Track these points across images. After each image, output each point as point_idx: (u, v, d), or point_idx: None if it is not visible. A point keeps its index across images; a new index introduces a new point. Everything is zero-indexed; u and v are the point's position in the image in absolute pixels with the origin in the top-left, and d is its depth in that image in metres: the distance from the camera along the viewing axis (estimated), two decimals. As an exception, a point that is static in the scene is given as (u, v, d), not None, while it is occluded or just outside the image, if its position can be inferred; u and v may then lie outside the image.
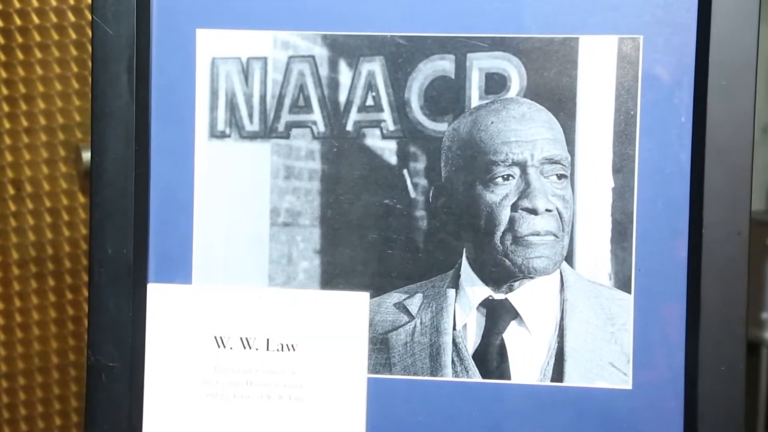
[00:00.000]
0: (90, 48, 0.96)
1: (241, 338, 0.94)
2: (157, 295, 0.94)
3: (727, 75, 0.87)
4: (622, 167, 0.90)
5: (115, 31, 0.92)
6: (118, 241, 0.93)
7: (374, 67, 0.92)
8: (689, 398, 0.90)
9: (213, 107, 0.94)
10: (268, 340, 0.94)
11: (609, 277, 0.91)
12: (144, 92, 0.93)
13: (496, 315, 0.92)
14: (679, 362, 0.91)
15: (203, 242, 0.95)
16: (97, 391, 0.94)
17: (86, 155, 1.21)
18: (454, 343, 0.93)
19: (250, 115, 0.94)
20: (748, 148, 0.87)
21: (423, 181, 0.92)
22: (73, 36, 1.23)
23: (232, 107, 0.94)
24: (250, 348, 0.94)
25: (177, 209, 0.95)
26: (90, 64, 0.96)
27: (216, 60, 0.94)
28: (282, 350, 0.93)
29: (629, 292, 0.91)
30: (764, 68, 1.63)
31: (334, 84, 0.93)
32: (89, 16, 1.18)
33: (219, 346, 0.94)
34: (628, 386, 0.91)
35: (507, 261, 0.92)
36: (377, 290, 0.93)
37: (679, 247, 0.90)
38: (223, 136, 0.94)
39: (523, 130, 0.91)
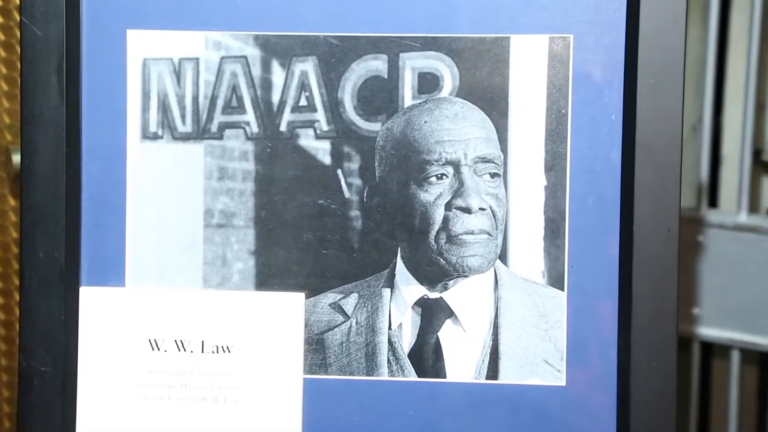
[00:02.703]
0: (19, 49, 0.95)
1: (175, 340, 0.93)
2: (90, 298, 0.93)
3: (656, 74, 0.88)
4: (554, 165, 0.91)
5: (44, 32, 0.91)
6: (50, 244, 0.92)
7: (307, 68, 0.92)
8: (621, 394, 0.90)
9: (145, 108, 0.93)
10: (203, 342, 0.93)
11: (542, 274, 0.92)
12: (74, 94, 0.93)
13: (431, 314, 0.93)
14: (611, 358, 0.91)
15: (136, 245, 0.94)
16: (30, 396, 0.93)
17: (16, 158, 1.20)
18: (390, 343, 0.93)
19: (183, 116, 0.93)
20: (678, 145, 0.88)
21: (357, 181, 0.92)
22: (1, 37, 1.22)
23: (164, 108, 0.93)
24: (184, 350, 0.93)
25: (109, 211, 0.94)
26: (19, 65, 0.95)
27: (147, 61, 0.93)
28: (217, 352, 0.93)
29: (562, 289, 0.92)
30: (692, 67, 1.65)
31: (266, 84, 0.93)
32: (17, 17, 1.16)
33: (153, 349, 0.93)
34: (562, 383, 0.92)
35: (441, 260, 0.92)
36: (312, 290, 0.93)
37: (611, 244, 0.91)
38: (155, 137, 0.94)
39: (456, 130, 0.91)
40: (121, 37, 0.93)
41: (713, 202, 1.76)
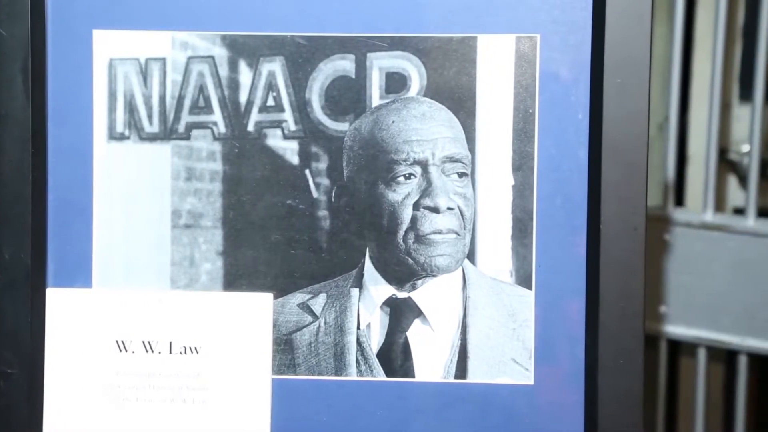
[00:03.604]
0: (-16, 49, 0.94)
1: (143, 342, 0.93)
2: (57, 299, 0.93)
3: (622, 73, 0.88)
4: (521, 165, 0.91)
5: (9, 33, 0.91)
6: (16, 245, 0.92)
7: (274, 67, 0.92)
8: (589, 392, 0.91)
9: (111, 109, 0.93)
10: (170, 343, 0.93)
11: (510, 273, 0.92)
12: (40, 94, 0.92)
13: (400, 313, 0.93)
14: (579, 357, 0.92)
15: (103, 246, 0.93)
16: (-4, 399, 0.93)
17: (-18, 159, 1.19)
18: (359, 343, 0.93)
19: (150, 117, 0.93)
20: (644, 144, 0.89)
21: (325, 181, 0.92)
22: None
23: (131, 108, 0.93)
24: (152, 351, 0.93)
25: (76, 213, 0.93)
26: (-16, 65, 0.94)
27: (114, 61, 0.93)
28: (185, 353, 0.93)
29: (530, 288, 0.92)
30: (658, 66, 1.66)
31: (234, 84, 0.93)
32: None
33: (121, 350, 0.93)
34: (530, 382, 0.92)
35: (410, 259, 0.92)
36: (281, 291, 0.93)
37: (578, 243, 0.91)
38: (122, 137, 0.93)
39: (424, 129, 0.91)
40: (87, 37, 0.93)
41: (679, 201, 1.77)
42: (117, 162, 0.93)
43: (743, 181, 1.75)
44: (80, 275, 0.94)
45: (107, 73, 0.93)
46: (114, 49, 0.93)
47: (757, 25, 1.59)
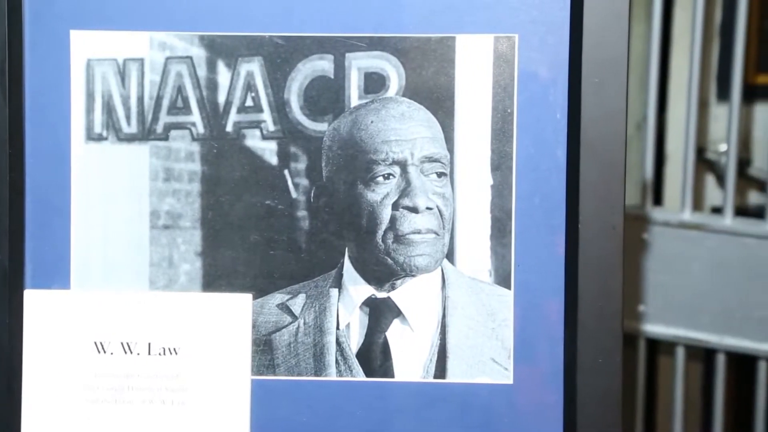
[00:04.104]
0: (-40, 50, 0.94)
1: (121, 343, 0.93)
2: (35, 301, 0.92)
3: (600, 72, 0.89)
4: (500, 165, 0.92)
5: (-14, 33, 0.90)
6: (-7, 247, 0.91)
7: (253, 68, 0.92)
8: (568, 391, 0.91)
9: (89, 109, 0.93)
10: (149, 344, 0.92)
11: (489, 273, 0.92)
12: (17, 95, 0.92)
13: (379, 313, 0.93)
14: (558, 356, 0.92)
15: (81, 247, 0.93)
16: (-26, 401, 0.92)
17: (-41, 160, 1.18)
18: (338, 343, 0.93)
19: (128, 117, 0.93)
20: (622, 144, 0.89)
21: (304, 181, 0.92)
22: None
23: (108, 109, 0.93)
24: (131, 353, 0.93)
25: (54, 213, 0.93)
26: (-40, 66, 0.94)
27: (91, 61, 0.93)
28: (164, 354, 0.92)
29: (509, 287, 0.92)
30: (636, 66, 1.66)
31: (212, 85, 0.92)
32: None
33: (99, 352, 0.93)
34: (509, 381, 0.92)
35: (389, 259, 0.92)
36: (260, 291, 0.93)
37: (557, 242, 0.91)
38: (100, 138, 0.93)
39: (403, 129, 0.91)
40: (64, 37, 0.92)
41: (658, 200, 1.78)
42: (95, 163, 0.93)
43: (721, 180, 1.76)
44: (58, 276, 0.93)
45: (85, 74, 0.93)
46: (92, 49, 0.92)
47: (734, 24, 1.60)
